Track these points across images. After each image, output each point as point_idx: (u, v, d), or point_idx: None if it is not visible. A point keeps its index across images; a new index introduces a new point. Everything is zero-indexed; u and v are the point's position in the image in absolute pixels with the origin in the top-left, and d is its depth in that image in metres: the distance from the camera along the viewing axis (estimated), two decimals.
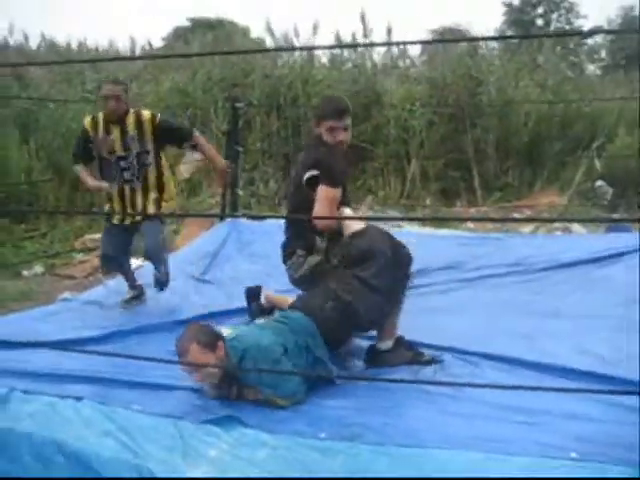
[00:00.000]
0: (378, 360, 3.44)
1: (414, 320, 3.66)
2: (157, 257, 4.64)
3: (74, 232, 8.47)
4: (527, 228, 8.16)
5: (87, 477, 2.47)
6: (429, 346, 3.59)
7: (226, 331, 3.21)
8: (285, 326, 3.21)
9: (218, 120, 10.25)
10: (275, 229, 5.81)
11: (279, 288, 4.60)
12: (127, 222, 4.65)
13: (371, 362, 3.46)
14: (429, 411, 2.88)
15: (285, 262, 3.82)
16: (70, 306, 4.73)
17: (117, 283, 5.06)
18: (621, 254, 5.24)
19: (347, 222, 3.51)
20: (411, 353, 3.47)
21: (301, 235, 3.68)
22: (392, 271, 3.35)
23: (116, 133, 4.54)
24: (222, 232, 6.26)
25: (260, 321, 3.41)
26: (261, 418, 2.74)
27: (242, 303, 4.44)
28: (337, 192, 3.54)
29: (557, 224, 8.14)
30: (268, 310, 4.09)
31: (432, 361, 3.45)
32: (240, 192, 7.24)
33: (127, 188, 4.62)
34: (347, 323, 3.34)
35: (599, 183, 9.96)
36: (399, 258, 3.40)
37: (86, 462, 2.44)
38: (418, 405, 2.94)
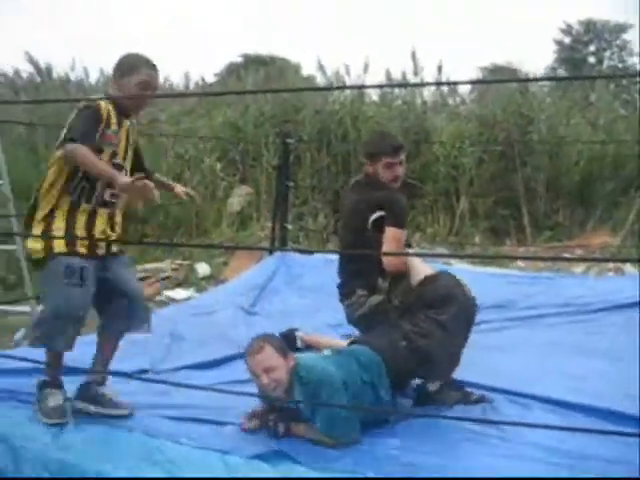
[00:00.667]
0: (427, 401, 3.39)
1: (464, 358, 3.63)
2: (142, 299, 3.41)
3: None
4: (579, 268, 8.03)
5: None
6: (479, 386, 3.55)
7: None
8: (352, 360, 3.14)
9: (269, 155, 10.38)
10: (323, 263, 5.87)
11: (329, 322, 4.63)
12: (100, 253, 3.21)
13: (419, 403, 3.41)
14: (479, 452, 2.85)
15: (342, 301, 3.81)
16: None
17: (169, 312, 5.14)
18: None
19: (416, 266, 3.53)
20: (459, 393, 3.43)
21: (361, 274, 3.66)
22: (465, 317, 3.36)
23: (124, 132, 3.29)
24: (271, 265, 6.31)
25: (327, 352, 3.36)
26: (310, 454, 2.72)
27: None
28: (404, 233, 3.59)
29: (609, 265, 7.99)
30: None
31: (480, 400, 3.41)
32: (289, 226, 7.30)
33: (105, 213, 3.23)
34: (417, 366, 3.28)
35: None
36: (468, 304, 3.40)
37: None
38: (468, 446, 2.91)
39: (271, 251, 6.83)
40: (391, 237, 3.51)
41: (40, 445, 2.76)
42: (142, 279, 7.83)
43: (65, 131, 3.13)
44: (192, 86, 13.61)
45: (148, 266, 8.07)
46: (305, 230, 9.62)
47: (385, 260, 3.52)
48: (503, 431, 2.99)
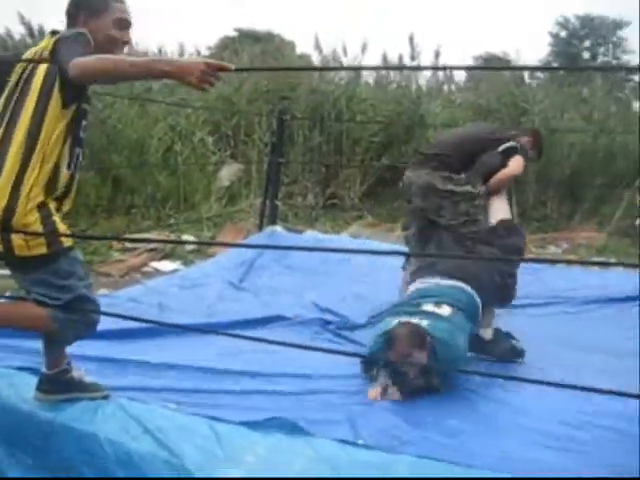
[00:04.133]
0: (481, 349, 3.74)
1: None
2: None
3: (113, 231, 8.56)
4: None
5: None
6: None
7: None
8: (462, 313, 3.50)
9: (261, 131, 10.32)
10: (312, 241, 5.86)
11: (316, 301, 4.63)
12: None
13: (474, 350, 3.62)
14: (484, 432, 2.92)
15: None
16: (108, 302, 4.77)
17: (156, 283, 5.12)
18: None
19: (502, 200, 4.25)
20: (509, 343, 3.82)
21: (478, 174, 4.17)
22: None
23: None
24: (259, 241, 6.27)
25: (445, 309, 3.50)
26: (303, 421, 2.68)
27: (277, 312, 4.48)
28: (522, 170, 4.34)
29: (594, 258, 8.04)
30: None
31: (523, 352, 3.80)
32: (279, 204, 7.25)
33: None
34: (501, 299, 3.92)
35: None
36: None
37: (127, 458, 2.45)
38: (474, 424, 3.00)
39: (260, 228, 6.82)
40: (518, 164, 4.22)
41: (30, 406, 2.73)
42: (129, 249, 7.80)
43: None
44: (187, 57, 13.47)
45: (135, 235, 8.02)
46: (294, 208, 9.59)
47: (511, 164, 4.17)
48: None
